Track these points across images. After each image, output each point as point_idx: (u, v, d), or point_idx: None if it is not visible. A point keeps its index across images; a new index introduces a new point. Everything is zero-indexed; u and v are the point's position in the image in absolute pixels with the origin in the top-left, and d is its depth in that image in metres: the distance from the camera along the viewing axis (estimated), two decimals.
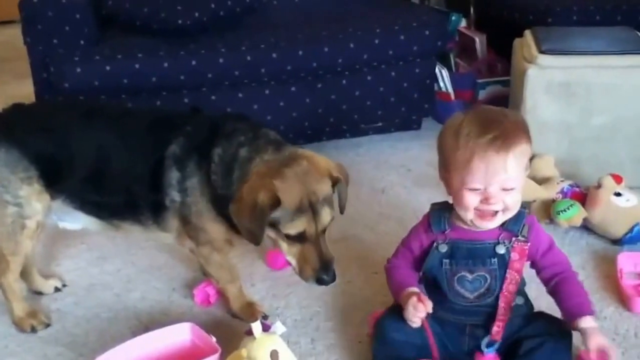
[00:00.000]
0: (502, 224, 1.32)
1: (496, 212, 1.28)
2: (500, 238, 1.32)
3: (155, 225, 1.53)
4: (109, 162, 1.49)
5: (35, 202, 1.50)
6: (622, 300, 1.62)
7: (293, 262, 1.42)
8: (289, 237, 1.38)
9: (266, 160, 1.39)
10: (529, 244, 1.32)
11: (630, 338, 1.50)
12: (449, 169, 1.30)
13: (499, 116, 1.28)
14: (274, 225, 1.37)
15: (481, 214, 1.28)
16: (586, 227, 1.91)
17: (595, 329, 1.28)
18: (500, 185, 1.24)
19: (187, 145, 1.46)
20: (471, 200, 1.26)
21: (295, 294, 1.70)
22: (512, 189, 1.26)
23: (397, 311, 1.35)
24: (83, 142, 1.49)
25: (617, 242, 1.85)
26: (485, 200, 1.25)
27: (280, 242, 1.41)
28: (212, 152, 1.43)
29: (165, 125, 1.50)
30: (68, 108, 1.64)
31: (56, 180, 1.50)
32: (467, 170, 1.24)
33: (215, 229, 1.49)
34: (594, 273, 1.74)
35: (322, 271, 1.39)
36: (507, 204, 1.27)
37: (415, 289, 1.35)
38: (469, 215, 1.29)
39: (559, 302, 1.35)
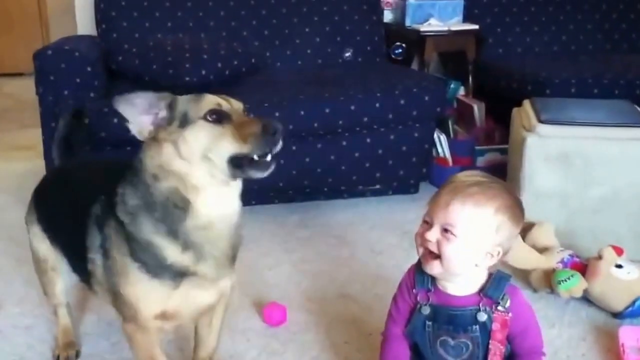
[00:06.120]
0: (482, 289, 1.29)
1: (434, 255, 1.26)
2: (481, 305, 1.29)
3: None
4: (64, 227, 1.47)
5: (39, 242, 1.57)
6: None
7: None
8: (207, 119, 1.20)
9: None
10: (510, 314, 1.29)
11: None
12: None
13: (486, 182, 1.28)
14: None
15: (424, 255, 1.29)
16: (587, 298, 1.87)
17: None
18: (441, 223, 1.24)
19: (107, 203, 1.28)
20: (421, 229, 1.29)
21: (292, 352, 1.65)
22: (452, 236, 1.24)
23: None
24: (56, 206, 1.53)
25: (618, 315, 1.81)
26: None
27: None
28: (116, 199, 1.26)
29: (98, 180, 1.38)
30: (74, 170, 1.61)
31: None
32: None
33: (140, 291, 1.25)
34: (595, 346, 1.70)
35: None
36: (443, 252, 1.25)
37: None
38: (420, 251, 1.30)
39: None
